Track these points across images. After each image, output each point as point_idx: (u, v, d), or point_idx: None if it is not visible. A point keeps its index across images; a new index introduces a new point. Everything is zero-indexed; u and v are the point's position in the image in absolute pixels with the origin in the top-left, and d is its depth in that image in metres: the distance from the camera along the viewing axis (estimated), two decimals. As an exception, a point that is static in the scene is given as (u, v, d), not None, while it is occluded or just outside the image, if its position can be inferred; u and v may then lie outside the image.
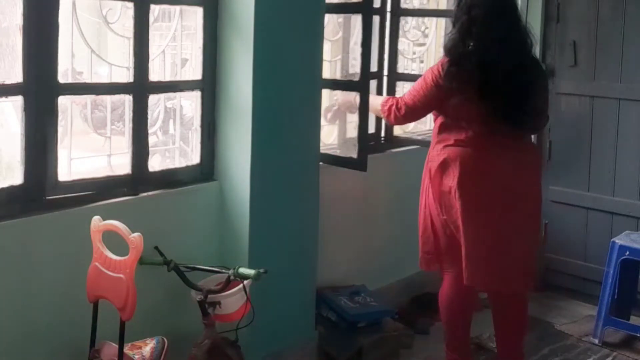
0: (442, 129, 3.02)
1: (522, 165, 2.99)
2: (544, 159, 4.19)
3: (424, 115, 3.23)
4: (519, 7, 3.05)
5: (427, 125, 4.22)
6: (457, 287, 3.05)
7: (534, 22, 4.19)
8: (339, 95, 3.50)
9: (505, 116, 2.88)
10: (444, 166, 2.97)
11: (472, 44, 2.88)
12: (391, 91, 3.94)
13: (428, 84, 2.98)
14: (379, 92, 3.92)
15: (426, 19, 4.29)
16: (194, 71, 3.05)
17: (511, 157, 2.96)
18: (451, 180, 2.94)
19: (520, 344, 3.14)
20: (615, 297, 3.71)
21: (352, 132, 3.39)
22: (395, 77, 3.96)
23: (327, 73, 3.63)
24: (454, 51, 2.91)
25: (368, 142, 3.41)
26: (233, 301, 2.60)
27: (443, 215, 3.00)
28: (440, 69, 2.93)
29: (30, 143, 2.41)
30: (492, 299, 3.19)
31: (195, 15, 2.94)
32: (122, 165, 2.78)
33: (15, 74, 2.39)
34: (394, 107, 3.13)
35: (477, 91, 2.86)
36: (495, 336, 3.22)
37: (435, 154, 3.01)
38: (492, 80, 2.84)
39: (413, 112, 3.11)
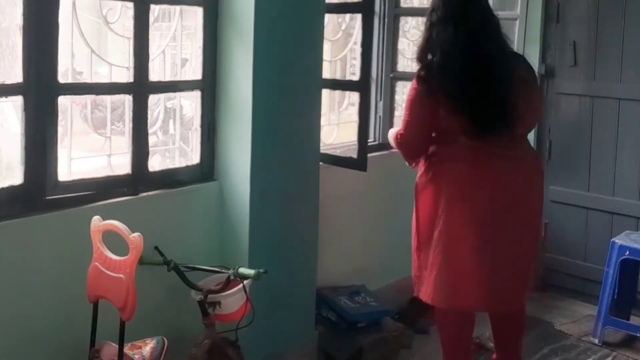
0: None
1: (518, 175, 2.77)
2: (544, 166, 4.02)
3: (422, 135, 2.80)
4: (487, 5, 2.79)
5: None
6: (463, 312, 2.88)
7: (534, 22, 4.19)
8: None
9: (482, 126, 2.67)
10: (429, 183, 2.78)
11: (435, 54, 2.68)
12: (391, 91, 3.94)
13: (410, 96, 2.75)
14: (379, 92, 3.92)
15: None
16: (194, 71, 3.05)
17: (504, 169, 2.74)
18: (438, 199, 2.74)
19: (518, 348, 3.10)
20: (615, 297, 3.70)
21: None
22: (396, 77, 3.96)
23: (327, 73, 3.63)
24: (421, 58, 2.75)
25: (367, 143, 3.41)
26: (233, 301, 2.60)
27: (434, 235, 2.77)
28: (417, 76, 2.73)
29: (30, 143, 2.41)
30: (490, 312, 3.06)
31: (195, 15, 2.94)
32: (122, 165, 2.78)
33: (15, 74, 2.39)
34: (396, 136, 2.87)
35: (449, 101, 2.68)
36: (493, 338, 3.21)
37: (423, 171, 2.83)
38: (461, 91, 2.65)
39: (411, 135, 2.79)
